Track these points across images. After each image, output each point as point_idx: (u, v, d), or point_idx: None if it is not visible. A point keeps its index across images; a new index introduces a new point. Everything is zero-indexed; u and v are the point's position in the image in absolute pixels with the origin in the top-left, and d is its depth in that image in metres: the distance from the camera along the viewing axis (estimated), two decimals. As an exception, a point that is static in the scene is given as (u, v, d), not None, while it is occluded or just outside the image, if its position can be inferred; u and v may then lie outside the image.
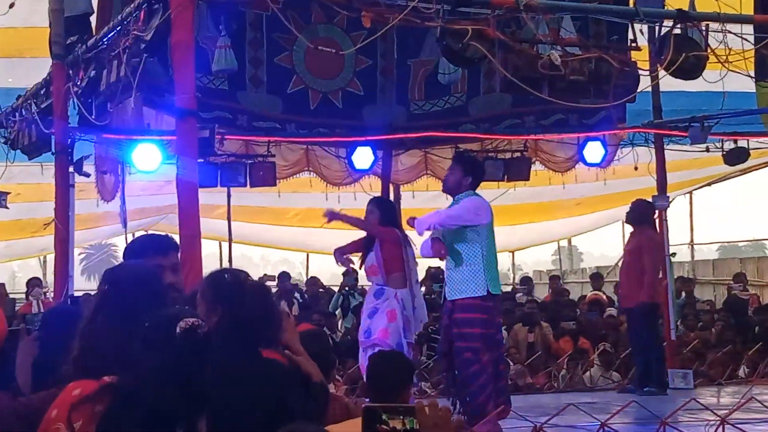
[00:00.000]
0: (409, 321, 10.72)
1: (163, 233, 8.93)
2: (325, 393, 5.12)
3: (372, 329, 10.67)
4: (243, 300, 4.77)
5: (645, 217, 13.98)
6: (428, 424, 2.88)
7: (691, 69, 10.95)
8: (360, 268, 11.43)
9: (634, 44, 11.31)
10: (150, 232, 19.67)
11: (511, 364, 15.53)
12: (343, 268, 16.43)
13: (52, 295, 15.44)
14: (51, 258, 16.50)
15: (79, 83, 11.50)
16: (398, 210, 11.55)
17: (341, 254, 11.03)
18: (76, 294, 11.35)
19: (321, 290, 20.64)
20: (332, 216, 10.81)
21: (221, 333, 4.40)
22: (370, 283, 11.12)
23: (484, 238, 10.24)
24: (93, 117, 11.48)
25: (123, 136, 11.97)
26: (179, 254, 6.00)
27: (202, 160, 13.07)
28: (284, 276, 19.86)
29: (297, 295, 19.55)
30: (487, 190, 17.27)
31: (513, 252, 29.68)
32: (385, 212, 10.97)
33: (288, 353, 5.06)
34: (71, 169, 12.31)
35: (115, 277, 4.53)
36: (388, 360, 6.82)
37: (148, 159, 12.23)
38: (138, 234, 15.39)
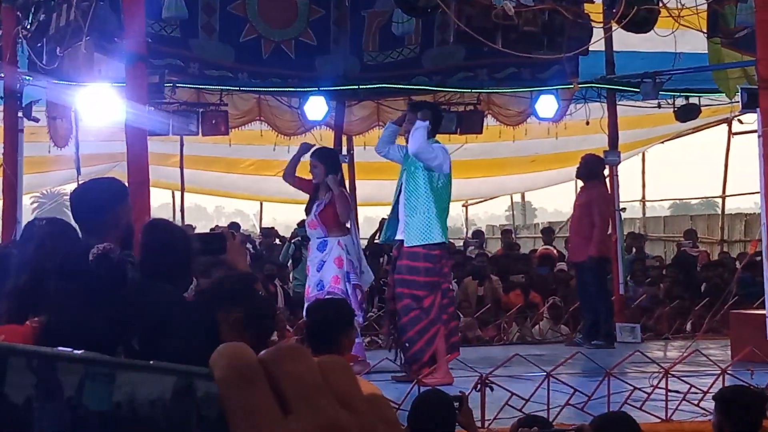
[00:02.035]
0: (353, 264, 10.85)
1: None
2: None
3: (324, 280, 10.71)
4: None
5: (595, 172, 14.01)
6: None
7: (642, 22, 11.00)
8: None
9: (587, -3, 11.34)
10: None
11: (461, 316, 15.61)
12: (296, 219, 16.49)
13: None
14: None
15: (28, 27, 11.38)
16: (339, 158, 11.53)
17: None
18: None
19: (277, 241, 20.58)
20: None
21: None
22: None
23: (445, 187, 10.32)
24: (43, 62, 11.37)
25: (73, 83, 11.86)
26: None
27: (154, 108, 13.00)
28: (234, 226, 19.87)
29: (249, 245, 19.52)
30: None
31: (467, 206, 29.73)
32: (329, 165, 10.95)
33: None
34: (20, 113, 12.21)
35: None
36: (325, 307, 6.80)
37: (100, 105, 12.12)
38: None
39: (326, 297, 9.62)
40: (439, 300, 10.32)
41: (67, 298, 3.81)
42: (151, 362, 0.75)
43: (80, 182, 12.52)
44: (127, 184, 6.77)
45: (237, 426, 0.74)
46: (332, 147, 13.74)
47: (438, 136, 15.82)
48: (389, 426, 0.78)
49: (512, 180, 25.83)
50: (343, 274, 10.66)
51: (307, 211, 11.15)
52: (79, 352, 0.73)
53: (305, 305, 10.77)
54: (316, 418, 0.74)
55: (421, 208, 10.29)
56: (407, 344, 10.23)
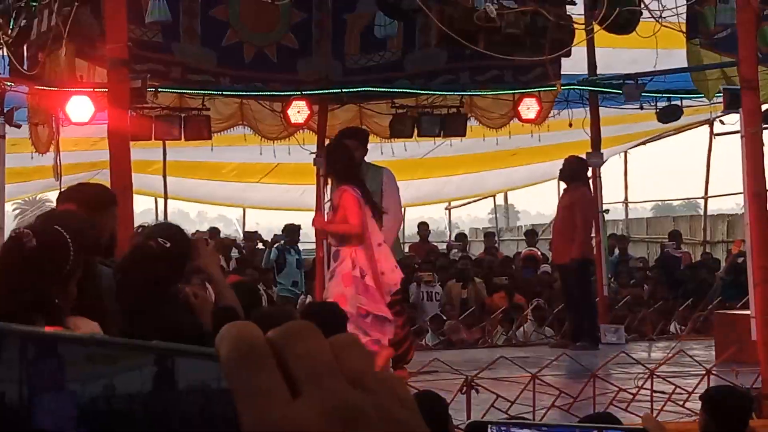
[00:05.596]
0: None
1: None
2: (235, 317, 5.19)
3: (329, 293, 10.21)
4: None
5: (578, 174, 14.01)
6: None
7: (625, 24, 11.01)
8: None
9: (569, -1, 11.35)
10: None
11: (444, 319, 15.67)
12: (278, 225, 16.36)
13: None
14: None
15: (9, 32, 11.34)
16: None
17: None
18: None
19: (260, 245, 20.53)
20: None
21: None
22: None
23: None
24: (24, 67, 11.33)
25: (55, 89, 11.81)
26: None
27: (136, 113, 12.96)
28: (214, 231, 19.84)
29: (235, 250, 19.50)
30: (422, 142, 17.32)
31: (449, 209, 29.74)
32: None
33: (193, 292, 5.22)
34: (2, 119, 12.15)
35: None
36: (318, 311, 6.78)
37: (82, 111, 12.06)
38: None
39: (319, 301, 9.44)
40: None
41: None
42: (131, 341, 0.72)
43: (62, 188, 12.50)
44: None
45: (243, 409, 0.71)
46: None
47: (421, 138, 15.96)
48: (404, 406, 0.75)
49: (494, 176, 25.70)
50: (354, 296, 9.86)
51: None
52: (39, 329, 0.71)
53: None
54: (327, 399, 0.71)
55: None
56: None
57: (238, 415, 0.71)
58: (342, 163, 10.15)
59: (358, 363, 0.75)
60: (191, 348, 0.73)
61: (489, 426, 1.17)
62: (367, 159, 11.15)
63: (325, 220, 10.58)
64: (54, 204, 6.45)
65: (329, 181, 10.70)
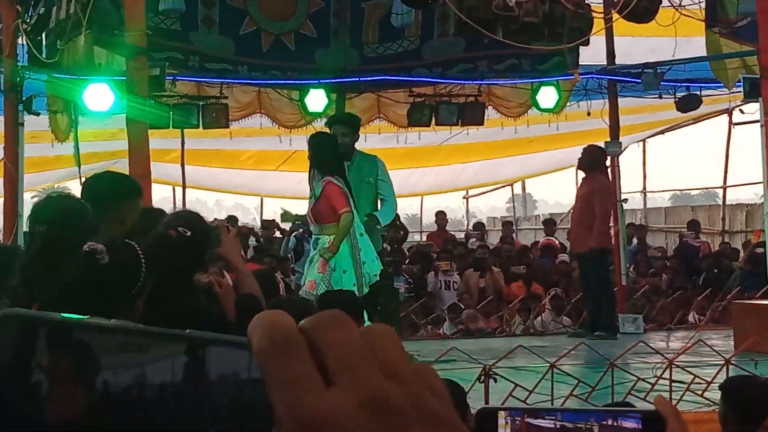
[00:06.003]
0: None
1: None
2: (257, 306, 5.17)
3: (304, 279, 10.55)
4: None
5: (597, 163, 13.95)
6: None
7: (644, 13, 10.98)
8: None
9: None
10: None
11: (462, 308, 15.66)
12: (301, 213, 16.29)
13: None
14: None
15: (28, 20, 11.37)
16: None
17: None
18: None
19: (277, 234, 20.51)
20: None
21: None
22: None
23: None
24: (43, 55, 11.35)
25: (74, 77, 11.83)
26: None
27: (154, 101, 12.97)
28: (232, 220, 19.87)
29: (252, 238, 19.52)
30: (439, 132, 17.31)
31: (467, 198, 29.69)
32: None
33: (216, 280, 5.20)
34: (20, 107, 12.19)
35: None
36: (334, 299, 6.76)
37: (100, 99, 12.08)
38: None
39: (335, 290, 9.34)
40: None
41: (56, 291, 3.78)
42: (163, 330, 0.72)
43: (82, 177, 12.53)
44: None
45: (277, 398, 0.71)
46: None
47: (439, 126, 15.96)
48: (437, 396, 0.75)
49: (510, 163, 25.61)
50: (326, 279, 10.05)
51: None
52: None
53: None
54: (360, 389, 0.71)
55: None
56: None
57: (271, 404, 0.71)
58: (326, 154, 10.35)
59: (392, 353, 0.75)
60: (223, 337, 0.73)
61: (500, 412, 1.16)
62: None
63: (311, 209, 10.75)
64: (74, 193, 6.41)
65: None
